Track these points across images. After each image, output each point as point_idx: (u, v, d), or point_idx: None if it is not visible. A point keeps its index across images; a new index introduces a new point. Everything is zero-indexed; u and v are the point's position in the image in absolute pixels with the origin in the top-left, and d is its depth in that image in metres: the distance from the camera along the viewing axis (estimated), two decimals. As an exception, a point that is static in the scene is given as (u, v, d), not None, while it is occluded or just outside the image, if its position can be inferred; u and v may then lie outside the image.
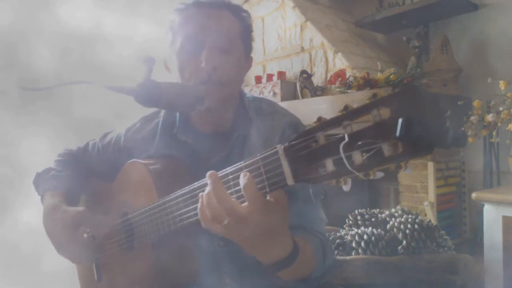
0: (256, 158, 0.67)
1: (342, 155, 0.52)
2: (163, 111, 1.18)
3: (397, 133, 0.47)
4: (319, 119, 0.56)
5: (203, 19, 1.03)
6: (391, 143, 0.48)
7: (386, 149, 0.49)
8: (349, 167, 0.52)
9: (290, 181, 0.62)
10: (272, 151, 0.65)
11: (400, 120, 0.46)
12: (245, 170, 0.69)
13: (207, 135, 1.11)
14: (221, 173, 0.74)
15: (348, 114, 0.53)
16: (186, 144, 1.10)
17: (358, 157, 0.51)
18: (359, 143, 0.50)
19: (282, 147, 0.63)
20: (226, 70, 1.02)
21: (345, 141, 0.52)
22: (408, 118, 0.46)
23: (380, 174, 0.51)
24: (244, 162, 0.70)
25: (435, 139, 0.46)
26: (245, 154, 1.03)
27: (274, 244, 0.75)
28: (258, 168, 0.67)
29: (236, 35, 1.06)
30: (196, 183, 0.81)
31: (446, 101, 2.15)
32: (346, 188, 0.50)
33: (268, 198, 0.70)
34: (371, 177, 0.51)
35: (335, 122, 0.54)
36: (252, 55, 1.17)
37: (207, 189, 0.71)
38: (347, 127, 0.52)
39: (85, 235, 1.08)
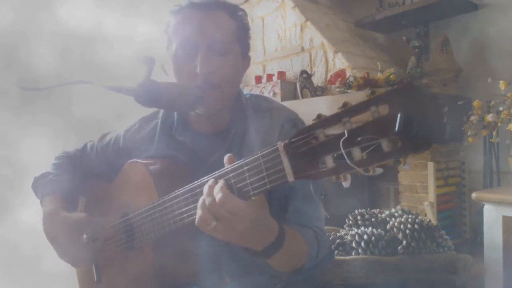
0: (257, 156, 0.68)
1: (342, 151, 0.52)
2: (162, 112, 1.18)
3: (396, 129, 0.47)
4: (319, 116, 0.56)
5: (197, 21, 1.01)
6: (390, 138, 0.49)
7: (385, 145, 0.49)
8: (349, 163, 0.52)
9: (290, 177, 0.62)
10: (273, 148, 0.65)
11: (398, 116, 0.47)
12: (245, 168, 0.70)
13: (205, 134, 1.11)
14: (220, 171, 0.75)
15: (347, 110, 0.53)
16: (184, 144, 1.10)
17: (357, 153, 0.51)
18: (359, 139, 0.51)
19: (282, 144, 0.63)
20: (221, 73, 1.01)
21: (344, 137, 0.52)
22: (407, 113, 0.46)
23: (379, 170, 0.51)
24: (244, 160, 0.70)
25: (433, 134, 0.46)
26: (244, 152, 1.03)
27: (260, 232, 0.78)
28: (258, 165, 0.67)
29: (232, 36, 1.04)
30: (196, 181, 0.81)
31: (445, 101, 2.15)
32: (346, 184, 0.50)
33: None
34: (371, 173, 0.51)
35: (335, 119, 0.54)
36: (251, 54, 1.15)
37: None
38: (346, 124, 0.53)
39: (85, 240, 1.08)
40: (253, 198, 0.72)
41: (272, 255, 0.81)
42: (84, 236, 1.08)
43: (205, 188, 0.75)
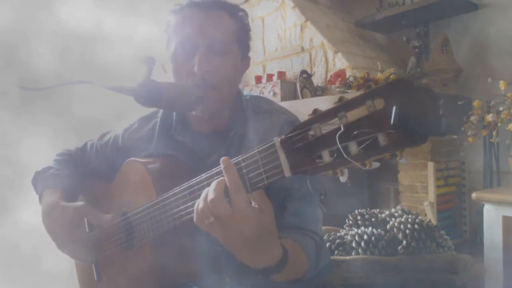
0: (254, 152, 0.68)
1: (339, 145, 0.52)
2: (161, 111, 1.18)
3: (392, 122, 0.47)
4: (315, 111, 0.56)
5: (196, 21, 1.01)
6: (386, 132, 0.49)
7: (382, 139, 0.49)
8: (345, 157, 0.52)
9: (287, 172, 0.62)
10: (269, 143, 0.65)
11: (394, 109, 0.47)
12: (243, 164, 0.70)
13: (204, 134, 1.11)
14: (218, 168, 0.74)
15: (343, 105, 0.53)
16: (183, 144, 1.10)
17: (354, 147, 0.51)
18: (355, 133, 0.51)
19: (279, 139, 0.64)
20: (221, 73, 1.01)
21: (340, 132, 0.52)
22: (402, 107, 0.46)
23: (376, 164, 0.51)
24: (241, 156, 0.70)
25: (429, 127, 0.46)
26: (243, 152, 1.03)
27: (261, 252, 0.75)
28: (256, 161, 0.68)
29: (231, 36, 1.04)
30: (194, 179, 0.81)
31: (445, 100, 2.15)
32: (343, 179, 0.50)
33: (253, 204, 0.71)
34: (367, 167, 0.51)
35: (331, 113, 0.54)
36: (250, 54, 1.15)
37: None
38: (342, 118, 0.53)
39: (86, 230, 1.08)
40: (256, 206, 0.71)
41: (271, 276, 0.79)
42: (86, 224, 1.08)
43: (214, 184, 0.72)
